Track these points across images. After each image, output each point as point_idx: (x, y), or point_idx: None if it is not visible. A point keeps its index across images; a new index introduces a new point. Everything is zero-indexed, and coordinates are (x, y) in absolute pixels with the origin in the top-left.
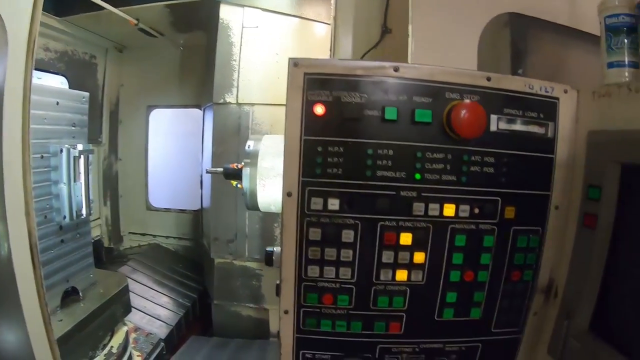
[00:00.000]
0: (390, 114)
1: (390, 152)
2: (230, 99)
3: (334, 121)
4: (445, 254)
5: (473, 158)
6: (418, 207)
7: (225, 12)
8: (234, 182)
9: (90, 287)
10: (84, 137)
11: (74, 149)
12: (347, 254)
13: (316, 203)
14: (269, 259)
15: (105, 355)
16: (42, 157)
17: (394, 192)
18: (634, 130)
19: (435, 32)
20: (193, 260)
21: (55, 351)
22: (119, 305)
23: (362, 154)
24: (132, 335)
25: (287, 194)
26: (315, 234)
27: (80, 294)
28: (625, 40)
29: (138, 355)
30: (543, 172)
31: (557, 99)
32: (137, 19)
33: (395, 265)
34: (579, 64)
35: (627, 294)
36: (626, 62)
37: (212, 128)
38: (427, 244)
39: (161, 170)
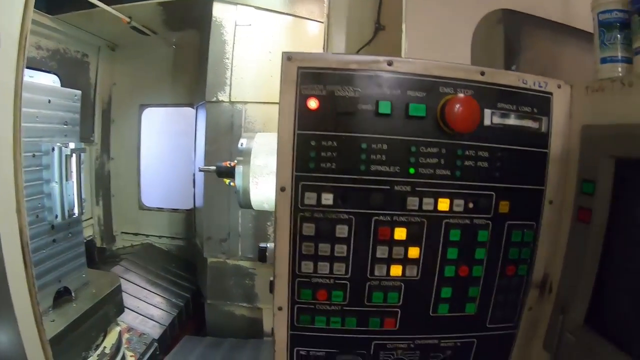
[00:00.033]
0: (384, 108)
1: (384, 146)
2: (223, 97)
3: (328, 115)
4: (440, 249)
5: (467, 152)
6: (412, 202)
7: (218, 10)
8: (227, 180)
9: (82, 287)
10: (76, 136)
11: (66, 147)
12: (341, 249)
13: (310, 198)
14: (262, 255)
15: (98, 355)
16: (33, 155)
17: (388, 187)
18: (628, 125)
19: (429, 28)
20: (186, 260)
21: (48, 352)
22: (111, 306)
23: (356, 148)
24: (125, 336)
25: (281, 189)
26: (309, 229)
27: (73, 294)
28: (618, 36)
29: (131, 356)
30: (537, 166)
31: (551, 93)
32: (130, 17)
33: (389, 261)
34: (571, 60)
35: (622, 288)
36: (619, 58)
37: (205, 126)
38: (422, 238)
39: (154, 169)
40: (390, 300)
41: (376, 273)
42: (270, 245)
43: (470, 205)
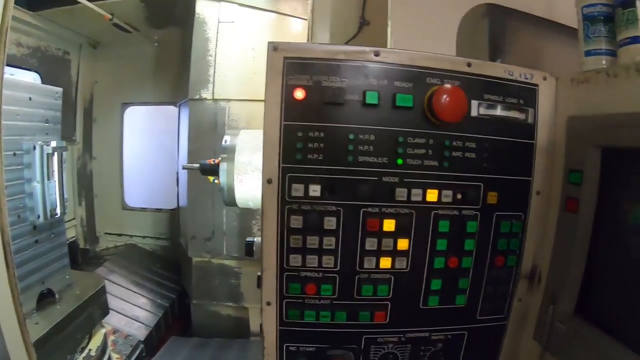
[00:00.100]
0: (371, 98)
1: (372, 137)
2: (206, 94)
3: (315, 106)
4: (429, 240)
5: (455, 143)
6: (401, 193)
7: (201, 7)
8: (211, 178)
9: (66, 289)
10: (58, 134)
11: (47, 145)
12: (329, 242)
13: (297, 190)
14: (249, 250)
15: (84, 358)
16: (14, 154)
17: (376, 178)
18: (613, 114)
19: (414, 23)
20: (171, 260)
21: (32, 355)
22: (96, 307)
23: (343, 139)
24: (111, 338)
25: (267, 181)
26: (296, 221)
27: (57, 295)
28: (602, 29)
29: (117, 358)
30: (524, 157)
31: (537, 85)
32: (112, 14)
33: (378, 253)
34: (554, 54)
35: (612, 276)
36: (603, 50)
37: (188, 125)
38: (411, 230)
39: (137, 169)
40: (380, 293)
41: (365, 265)
42: (257, 239)
43: (459, 196)
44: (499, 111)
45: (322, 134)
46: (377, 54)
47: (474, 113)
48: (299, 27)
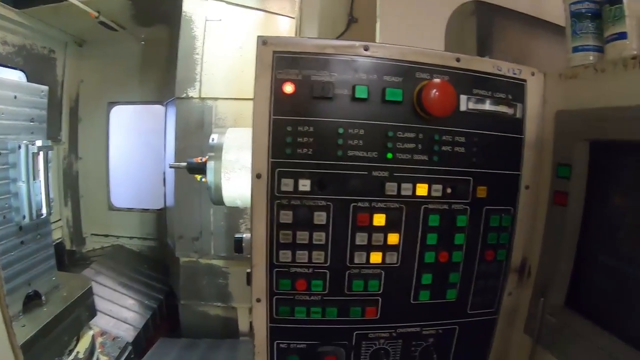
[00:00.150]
0: (361, 92)
1: (362, 131)
2: (193, 93)
3: (304, 100)
4: (419, 235)
5: (444, 138)
6: (390, 187)
7: (189, 5)
8: (199, 177)
9: (53, 291)
10: (43, 133)
11: (33, 145)
12: (319, 237)
13: (286, 184)
14: (238, 246)
15: None
16: None
17: (366, 172)
18: (601, 108)
19: (402, 20)
20: (158, 261)
21: (19, 358)
22: (83, 309)
23: (333, 133)
24: (99, 340)
25: (257, 176)
26: (286, 216)
27: (43, 297)
28: (590, 26)
29: None
30: (513, 152)
31: (525, 80)
32: (98, 12)
33: (369, 248)
34: (540, 51)
35: (601, 268)
36: (591, 46)
37: (175, 124)
38: (401, 224)
39: (123, 169)
40: (370, 288)
41: (356, 261)
42: (246, 235)
43: (449, 190)
44: (487, 106)
45: (311, 129)
46: (366, 49)
47: (463, 108)
48: (287, 26)
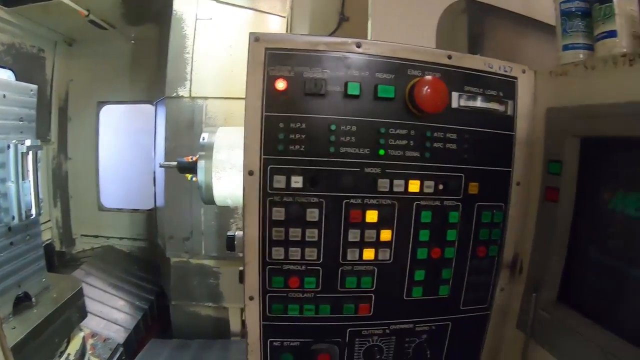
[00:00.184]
0: (353, 89)
1: (354, 128)
2: (183, 92)
3: (296, 97)
4: (412, 231)
5: (436, 134)
6: (383, 184)
7: (179, 4)
8: (189, 176)
9: (43, 292)
10: (32, 133)
11: (22, 144)
12: (312, 234)
13: (279, 181)
14: (230, 244)
15: None
16: None
17: (358, 169)
18: (591, 105)
19: (394, 18)
20: (149, 261)
21: None
22: (74, 310)
23: (325, 130)
24: (90, 341)
25: (249, 173)
26: (278, 213)
27: (33, 299)
28: (580, 24)
29: None
30: (504, 148)
31: (516, 78)
32: (88, 10)
33: (362, 244)
34: (531, 50)
35: (593, 262)
36: (581, 44)
37: (165, 123)
38: (393, 221)
39: (113, 169)
40: (363, 285)
41: (349, 257)
42: (238, 233)
43: (440, 186)
44: (479, 103)
45: (303, 125)
46: (359, 46)
47: (454, 104)
48: (278, 25)
